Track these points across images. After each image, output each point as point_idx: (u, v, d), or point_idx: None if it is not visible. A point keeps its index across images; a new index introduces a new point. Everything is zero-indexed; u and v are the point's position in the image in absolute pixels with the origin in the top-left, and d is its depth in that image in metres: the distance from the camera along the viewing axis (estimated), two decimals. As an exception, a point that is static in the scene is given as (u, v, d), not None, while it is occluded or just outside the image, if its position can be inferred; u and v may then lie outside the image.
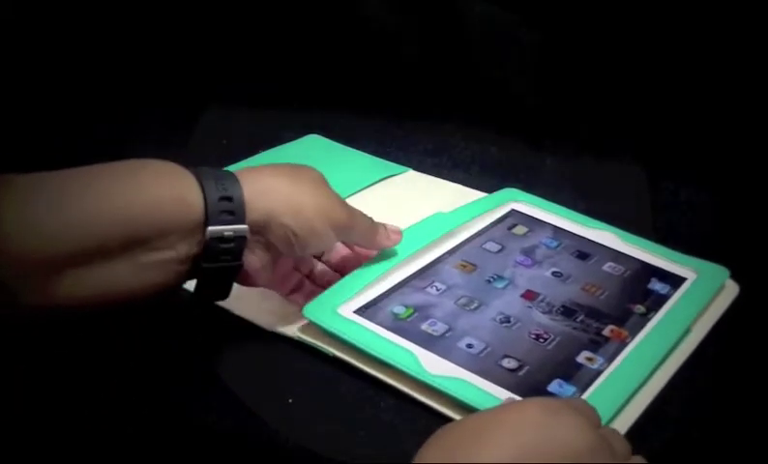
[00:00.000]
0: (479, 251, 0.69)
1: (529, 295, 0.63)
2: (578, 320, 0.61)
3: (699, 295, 0.64)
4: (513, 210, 0.75)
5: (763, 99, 0.85)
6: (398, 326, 0.59)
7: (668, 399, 0.55)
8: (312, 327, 0.58)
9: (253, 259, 0.55)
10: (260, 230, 0.54)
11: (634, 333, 0.60)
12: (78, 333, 0.57)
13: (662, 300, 0.63)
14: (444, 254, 0.68)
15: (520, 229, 0.72)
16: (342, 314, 0.59)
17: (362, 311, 0.60)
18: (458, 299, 0.62)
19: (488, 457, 0.38)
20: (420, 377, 0.54)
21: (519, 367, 0.56)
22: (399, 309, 0.61)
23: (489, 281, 0.65)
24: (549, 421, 0.40)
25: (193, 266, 0.53)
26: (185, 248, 0.52)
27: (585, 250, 0.69)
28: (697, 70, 0.87)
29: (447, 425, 0.41)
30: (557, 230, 0.72)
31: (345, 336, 0.57)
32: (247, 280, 0.57)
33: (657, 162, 0.85)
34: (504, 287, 0.64)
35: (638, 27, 0.89)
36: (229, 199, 0.52)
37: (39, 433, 0.50)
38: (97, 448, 0.50)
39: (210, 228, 0.52)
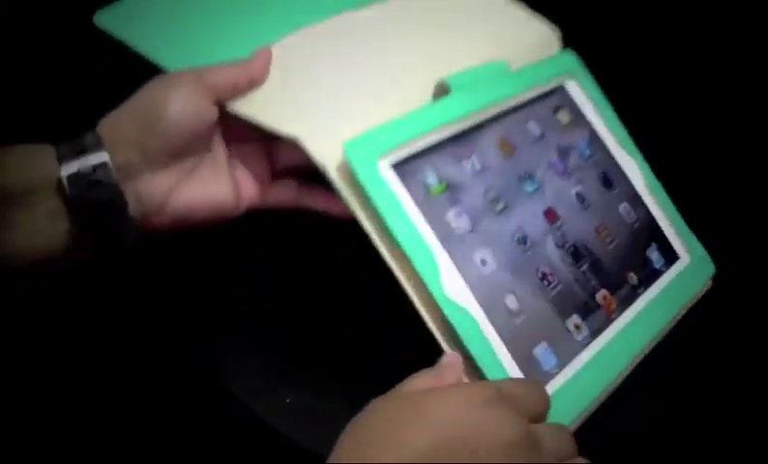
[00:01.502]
0: (520, 130, 0.63)
1: (551, 215, 0.60)
2: (582, 269, 0.59)
3: (685, 288, 0.64)
4: (561, 87, 0.68)
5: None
6: (428, 204, 0.54)
7: (654, 397, 0.58)
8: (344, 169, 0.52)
9: (153, 184, 0.52)
10: (124, 150, 0.52)
11: (622, 308, 0.59)
12: (76, 331, 0.57)
13: (654, 275, 0.63)
14: (489, 119, 0.61)
15: (564, 116, 0.66)
16: (381, 169, 0.53)
17: (400, 167, 0.54)
18: (488, 190, 0.58)
19: (401, 454, 0.37)
20: (436, 297, 0.51)
21: (519, 313, 0.54)
22: (433, 181, 0.55)
23: (521, 180, 0.60)
24: (472, 417, 0.40)
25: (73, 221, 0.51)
26: (52, 203, 0.50)
27: (610, 176, 0.66)
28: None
29: (366, 410, 0.40)
30: (594, 137, 0.67)
31: (376, 199, 0.51)
32: (169, 216, 0.54)
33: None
34: (532, 192, 0.60)
35: (638, 27, 0.82)
36: (79, 140, 0.51)
37: (37, 428, 0.52)
38: (95, 448, 0.51)
39: (62, 166, 0.50)
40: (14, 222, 0.49)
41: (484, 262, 0.55)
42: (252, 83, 0.55)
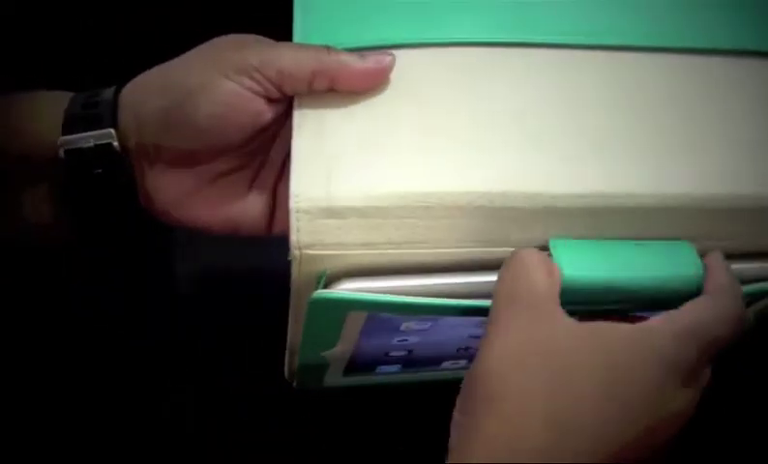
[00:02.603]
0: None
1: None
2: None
3: None
4: None
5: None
6: (386, 323, 0.39)
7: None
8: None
9: (159, 182, 0.40)
10: (140, 131, 0.39)
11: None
12: (75, 334, 0.54)
13: None
14: None
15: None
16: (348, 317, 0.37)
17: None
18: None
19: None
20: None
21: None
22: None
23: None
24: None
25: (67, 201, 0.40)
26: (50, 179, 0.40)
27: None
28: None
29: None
30: None
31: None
32: (181, 217, 0.41)
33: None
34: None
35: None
36: (94, 104, 0.39)
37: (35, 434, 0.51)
38: (92, 452, 0.50)
39: (61, 138, 0.39)
40: (14, 202, 0.40)
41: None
42: (340, 87, 0.37)
